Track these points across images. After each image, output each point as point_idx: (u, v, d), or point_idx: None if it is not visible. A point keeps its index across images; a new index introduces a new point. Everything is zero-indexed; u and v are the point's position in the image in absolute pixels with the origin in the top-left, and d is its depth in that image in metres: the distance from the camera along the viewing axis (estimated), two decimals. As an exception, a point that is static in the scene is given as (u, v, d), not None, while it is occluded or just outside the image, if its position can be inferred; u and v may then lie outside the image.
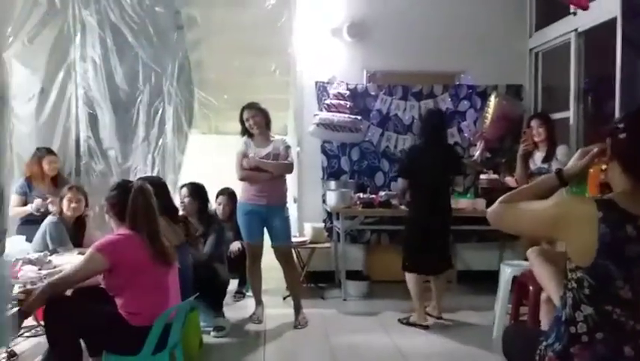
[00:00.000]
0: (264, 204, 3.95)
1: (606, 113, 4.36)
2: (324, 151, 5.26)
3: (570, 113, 4.79)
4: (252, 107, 4.01)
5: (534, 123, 4.29)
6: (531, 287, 3.34)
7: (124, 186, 2.65)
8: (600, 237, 1.59)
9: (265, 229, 4.08)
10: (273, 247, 4.08)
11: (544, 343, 1.79)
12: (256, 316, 4.10)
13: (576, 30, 4.68)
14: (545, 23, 5.18)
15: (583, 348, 1.65)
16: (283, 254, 4.08)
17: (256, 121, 3.97)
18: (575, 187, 4.19)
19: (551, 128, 4.30)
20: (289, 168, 4.05)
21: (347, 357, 3.41)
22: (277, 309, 4.39)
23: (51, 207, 4.10)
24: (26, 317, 2.51)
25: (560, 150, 4.23)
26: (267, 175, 3.93)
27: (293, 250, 4.37)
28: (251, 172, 3.95)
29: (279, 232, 4.02)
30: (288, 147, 4.09)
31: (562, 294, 1.82)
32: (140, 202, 2.55)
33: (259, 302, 4.19)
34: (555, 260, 2.46)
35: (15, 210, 4.29)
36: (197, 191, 3.97)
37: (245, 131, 4.05)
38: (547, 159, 4.23)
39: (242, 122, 4.03)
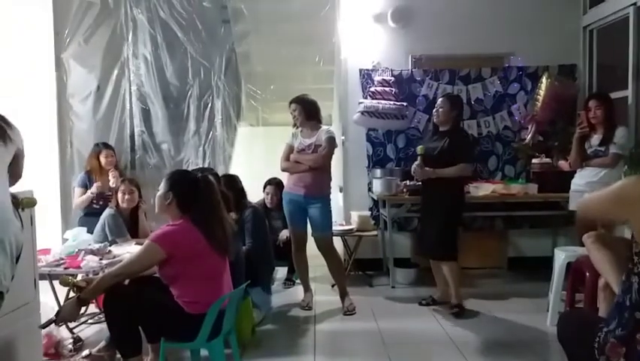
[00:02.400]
0: (302, 195, 4.02)
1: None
2: (369, 139, 5.25)
3: (629, 92, 4.57)
4: (293, 101, 4.10)
5: (592, 104, 4.11)
6: (588, 273, 3.25)
7: (189, 178, 2.71)
8: None
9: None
10: (312, 236, 4.15)
11: (605, 329, 1.75)
12: (305, 302, 4.18)
13: (635, 4, 4.44)
14: (600, -1, 4.95)
15: None
16: (322, 244, 4.13)
17: (295, 115, 4.07)
18: (634, 168, 4.03)
19: (610, 109, 4.11)
20: (320, 160, 4.00)
21: (397, 343, 3.42)
22: (326, 296, 4.46)
23: (112, 181, 4.35)
24: (84, 305, 2.61)
25: (619, 132, 4.06)
26: (304, 167, 3.99)
27: (334, 239, 4.36)
28: (290, 164, 4.06)
29: (316, 223, 4.07)
30: (328, 138, 4.07)
31: (624, 279, 1.77)
32: (209, 194, 2.63)
33: (307, 289, 4.27)
34: (613, 245, 2.38)
35: (78, 200, 4.55)
36: (230, 182, 4.04)
37: (294, 122, 4.15)
38: (604, 141, 4.07)
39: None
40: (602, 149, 4.08)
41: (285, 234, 4.65)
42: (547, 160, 4.91)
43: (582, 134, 4.11)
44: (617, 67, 4.82)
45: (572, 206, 4.29)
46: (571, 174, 4.35)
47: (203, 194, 2.63)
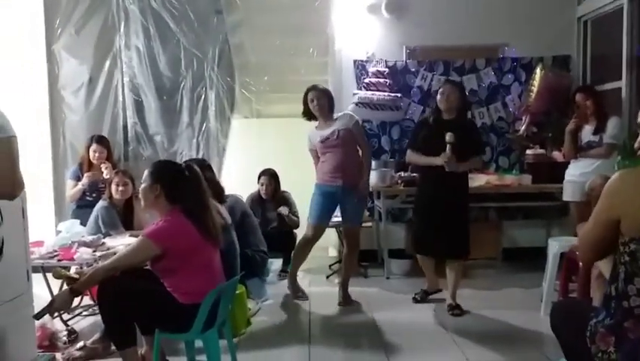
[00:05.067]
0: (340, 185, 3.92)
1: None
2: (363, 131, 5.23)
3: (622, 83, 4.58)
4: (317, 88, 4.00)
5: (579, 97, 4.18)
6: (581, 263, 3.27)
7: (175, 168, 2.67)
8: None
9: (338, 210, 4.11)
10: (343, 226, 4.14)
11: (595, 319, 1.76)
12: (301, 292, 4.17)
13: (629, -5, 4.45)
14: (595, -10, 4.94)
15: (636, 321, 1.63)
16: (352, 234, 4.09)
17: (321, 104, 3.94)
18: (627, 159, 4.05)
19: (599, 100, 4.17)
20: (370, 156, 4.04)
21: (391, 333, 3.43)
22: (321, 287, 4.48)
23: (105, 173, 4.31)
24: (76, 296, 2.59)
25: (611, 123, 4.10)
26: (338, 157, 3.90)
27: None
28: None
29: (351, 213, 4.01)
30: (358, 123, 4.00)
31: (612, 269, 1.78)
32: (196, 182, 2.60)
33: (295, 280, 4.22)
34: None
35: (70, 192, 4.51)
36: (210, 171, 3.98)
37: (307, 114, 4.04)
38: (597, 131, 4.11)
39: (305, 103, 4.01)
40: (596, 139, 4.11)
41: (285, 209, 4.66)
42: (541, 151, 4.93)
43: (576, 125, 4.13)
44: (610, 58, 4.83)
45: (565, 197, 4.32)
46: (564, 165, 4.37)
47: (191, 183, 2.60)
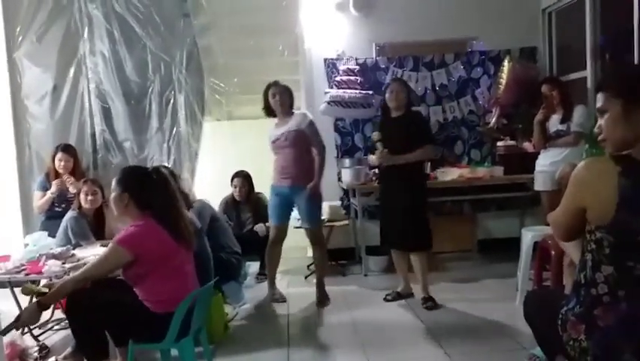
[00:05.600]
0: (288, 186, 3.93)
1: (624, 70, 4.22)
2: (337, 129, 5.23)
3: (587, 73, 4.66)
4: (279, 84, 4.00)
5: (544, 88, 4.26)
6: (553, 252, 3.32)
7: (141, 173, 2.62)
8: (620, 190, 1.57)
9: (295, 211, 4.11)
10: (303, 227, 4.11)
11: (565, 307, 1.77)
12: (278, 295, 4.14)
13: (590, -15, 4.53)
14: (557, -19, 5.02)
15: (605, 309, 1.64)
16: (313, 234, 4.09)
17: (282, 100, 3.94)
18: (594, 147, 4.12)
19: (564, 90, 4.24)
20: (324, 156, 4.00)
21: (370, 332, 3.43)
22: (299, 288, 4.46)
23: (70, 188, 4.22)
24: (44, 310, 2.51)
25: (577, 111, 4.17)
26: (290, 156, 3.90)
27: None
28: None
29: (306, 213, 4.00)
30: (311, 123, 3.97)
31: (580, 257, 1.80)
32: (164, 186, 2.55)
33: (273, 283, 4.21)
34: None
35: (38, 203, 4.39)
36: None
37: (267, 110, 4.03)
38: (564, 120, 4.18)
39: (266, 100, 4.01)
40: (564, 128, 4.17)
41: (262, 228, 4.58)
42: (512, 142, 4.99)
43: (544, 116, 4.19)
44: (575, 48, 4.91)
45: (537, 186, 4.37)
46: (535, 155, 4.43)
47: (158, 187, 2.55)
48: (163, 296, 2.49)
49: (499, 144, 5.05)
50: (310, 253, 5.34)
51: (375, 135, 3.87)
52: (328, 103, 5.00)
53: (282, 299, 4.12)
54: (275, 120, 4.08)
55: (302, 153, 3.94)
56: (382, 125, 3.97)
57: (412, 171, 3.80)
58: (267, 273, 4.74)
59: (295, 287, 4.48)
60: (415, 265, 3.90)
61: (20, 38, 4.92)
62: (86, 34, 5.07)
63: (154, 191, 2.53)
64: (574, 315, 1.73)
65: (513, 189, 4.89)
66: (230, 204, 4.82)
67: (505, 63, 5.00)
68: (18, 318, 2.44)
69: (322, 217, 4.38)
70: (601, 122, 1.76)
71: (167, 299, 2.47)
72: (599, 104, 1.77)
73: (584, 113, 4.16)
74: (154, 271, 2.49)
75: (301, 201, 3.96)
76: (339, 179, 5.16)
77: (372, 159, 4.00)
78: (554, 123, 4.22)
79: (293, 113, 4.03)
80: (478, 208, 5.27)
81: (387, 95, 3.88)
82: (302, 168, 3.93)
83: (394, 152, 3.80)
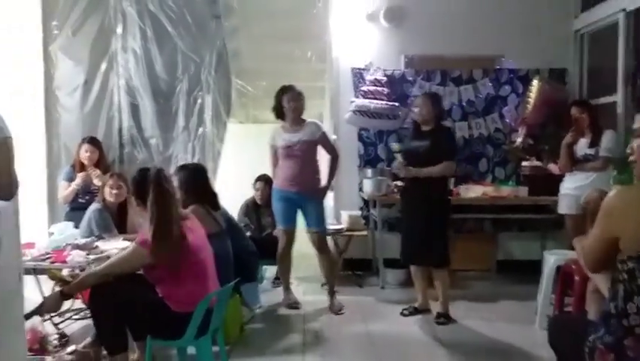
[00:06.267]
0: (295, 192, 3.95)
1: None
2: (360, 139, 5.23)
3: (618, 97, 4.61)
4: (295, 89, 3.99)
5: (574, 111, 4.22)
6: (577, 277, 3.27)
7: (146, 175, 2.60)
8: None
9: (300, 215, 4.11)
10: (308, 233, 4.10)
11: (594, 335, 1.75)
12: (292, 300, 4.14)
13: (624, 10, 4.48)
14: (592, 3, 4.97)
15: (636, 340, 1.61)
16: (318, 240, 4.08)
17: (298, 106, 3.96)
18: (622, 174, 4.06)
19: (594, 114, 4.20)
20: (337, 163, 4.11)
21: (385, 344, 3.40)
22: (315, 295, 4.44)
23: (95, 181, 4.26)
24: (67, 299, 2.59)
25: (607, 136, 4.12)
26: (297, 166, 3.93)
27: (329, 237, 4.35)
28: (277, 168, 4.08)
29: (312, 219, 4.02)
30: (325, 134, 4.04)
31: (610, 286, 1.77)
32: (157, 189, 2.50)
33: (288, 288, 4.22)
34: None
35: (63, 193, 4.46)
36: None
37: (279, 113, 4.03)
38: (592, 144, 4.13)
39: (279, 103, 4.01)
40: (592, 152, 4.12)
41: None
42: (538, 163, 4.94)
43: (573, 139, 4.15)
44: (606, 72, 4.86)
45: (561, 210, 4.32)
46: (560, 178, 4.38)
47: (155, 194, 2.49)
48: (183, 297, 2.50)
49: (524, 163, 5.00)
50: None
51: (396, 146, 3.91)
52: (353, 112, 5.00)
53: (296, 306, 4.11)
54: (281, 123, 4.07)
55: (312, 161, 4.03)
56: (412, 138, 3.96)
57: (434, 186, 3.76)
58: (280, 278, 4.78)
59: (311, 295, 4.47)
60: (436, 281, 3.87)
61: (56, 32, 5.02)
62: (119, 31, 5.17)
63: (151, 194, 2.50)
64: (603, 344, 1.70)
65: (536, 211, 4.84)
66: (251, 207, 4.84)
67: (535, 83, 4.97)
68: (41, 305, 2.52)
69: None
70: (634, 143, 1.74)
71: (187, 300, 2.49)
72: (636, 125, 1.76)
73: (613, 138, 4.11)
74: (174, 274, 2.51)
75: (310, 205, 3.99)
76: (360, 189, 5.15)
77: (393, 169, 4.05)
78: (582, 147, 4.17)
79: (304, 120, 4.03)
80: (499, 228, 5.22)
81: (414, 111, 3.93)
82: (311, 176, 4.01)
83: (415, 165, 3.77)
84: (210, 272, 2.68)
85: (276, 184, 4.12)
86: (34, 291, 3.35)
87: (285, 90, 3.99)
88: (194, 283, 2.55)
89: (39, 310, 2.50)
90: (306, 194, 3.96)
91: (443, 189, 3.91)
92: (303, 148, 3.94)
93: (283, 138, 3.98)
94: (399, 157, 3.85)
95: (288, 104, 3.95)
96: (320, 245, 4.10)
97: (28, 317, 2.52)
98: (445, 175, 3.86)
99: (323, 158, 4.22)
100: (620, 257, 1.68)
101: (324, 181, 4.15)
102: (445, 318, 3.79)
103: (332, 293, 4.13)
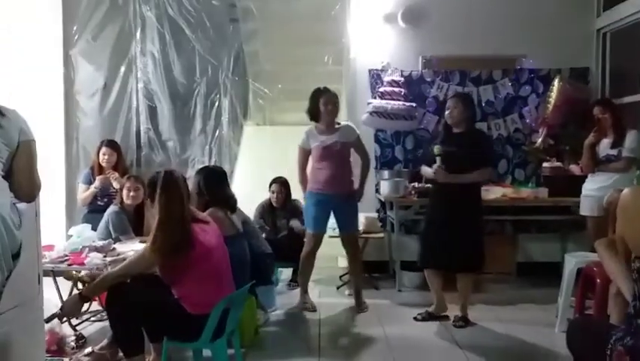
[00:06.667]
0: (332, 193, 3.98)
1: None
2: (377, 140, 5.20)
3: (642, 97, 4.51)
4: (331, 92, 4.03)
5: (596, 111, 4.14)
6: (598, 280, 3.20)
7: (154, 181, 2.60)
8: None
9: (332, 218, 4.13)
10: (341, 234, 4.14)
11: (614, 337, 1.71)
12: (309, 304, 4.13)
13: (648, 7, 4.38)
14: (614, 2, 4.87)
15: None
16: (351, 241, 4.15)
17: (335, 110, 4.02)
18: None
19: (617, 113, 4.11)
20: (369, 165, 4.25)
21: (402, 347, 3.36)
22: (331, 298, 4.43)
23: (114, 183, 4.31)
24: (86, 301, 2.62)
25: (630, 136, 4.03)
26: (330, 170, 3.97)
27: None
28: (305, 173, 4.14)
29: (346, 220, 4.08)
30: (359, 137, 4.15)
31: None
32: (163, 191, 2.50)
33: (306, 291, 4.21)
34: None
35: (82, 196, 4.52)
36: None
37: (313, 114, 4.03)
38: (615, 145, 4.05)
39: (315, 105, 4.00)
40: (615, 153, 4.04)
41: (298, 224, 4.59)
42: (558, 164, 4.85)
43: (596, 139, 4.06)
44: (630, 71, 4.76)
45: (583, 211, 4.23)
46: (582, 179, 4.29)
47: (163, 197, 2.50)
48: (198, 298, 2.51)
49: (544, 164, 4.91)
50: (341, 263, 5.35)
51: (436, 149, 3.67)
52: (370, 113, 4.97)
53: (313, 308, 4.10)
54: (314, 124, 4.08)
55: (347, 162, 4.09)
56: (443, 142, 3.75)
57: (470, 190, 3.69)
58: (299, 281, 4.77)
59: (327, 297, 4.45)
60: (460, 284, 3.80)
61: (77, 36, 5.10)
62: (138, 35, 5.23)
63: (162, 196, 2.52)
64: (623, 346, 1.66)
65: (557, 212, 4.75)
66: (266, 209, 4.84)
67: (555, 82, 4.88)
68: (61, 309, 2.57)
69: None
70: None
71: (202, 301, 2.49)
72: None
73: (636, 139, 4.02)
74: (188, 275, 2.52)
75: (344, 206, 4.03)
76: (377, 190, 5.12)
77: (428, 172, 3.83)
78: (605, 147, 4.09)
79: (339, 123, 4.09)
80: (519, 229, 5.13)
81: (445, 112, 3.80)
82: (346, 177, 4.07)
83: (452, 170, 3.65)
84: (226, 274, 2.68)
85: (310, 188, 4.11)
86: (53, 293, 3.39)
87: (321, 93, 4.02)
88: (209, 284, 2.55)
89: (59, 315, 2.55)
90: (342, 195, 4.01)
91: (478, 192, 3.83)
92: (340, 149, 4.00)
93: (319, 139, 4.01)
94: (438, 161, 3.66)
95: (324, 106, 3.97)
96: (353, 246, 4.17)
97: (48, 320, 2.56)
98: (480, 181, 3.79)
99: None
100: (632, 256, 1.65)
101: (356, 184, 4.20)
102: (463, 321, 3.75)
103: (359, 293, 4.16)
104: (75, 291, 3.32)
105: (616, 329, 1.76)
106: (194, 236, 2.51)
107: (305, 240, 4.17)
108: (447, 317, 3.87)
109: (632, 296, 1.72)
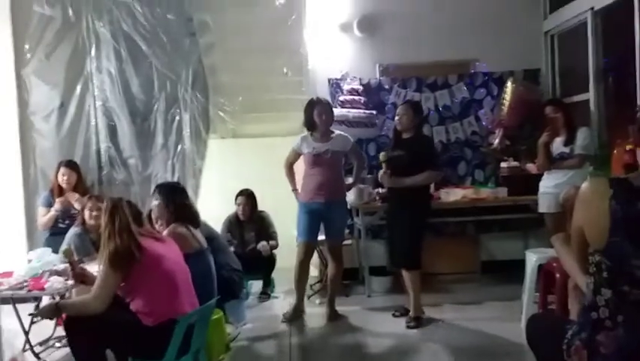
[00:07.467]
0: (323, 201, 4.02)
1: (627, 92, 4.25)
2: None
3: (590, 95, 4.68)
4: (324, 102, 4.16)
5: (548, 110, 4.28)
6: (558, 275, 3.29)
7: None
8: (611, 214, 1.56)
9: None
10: (326, 242, 4.18)
11: (570, 332, 1.75)
12: (301, 311, 4.16)
13: (592, 9, 4.56)
14: (560, 4, 5.06)
15: (607, 335, 1.62)
16: (336, 249, 4.18)
17: (329, 119, 4.10)
18: (599, 169, 4.13)
19: (568, 112, 4.26)
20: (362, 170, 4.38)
21: (374, 353, 3.39)
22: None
23: (75, 204, 4.25)
24: (59, 315, 2.65)
25: (581, 133, 4.17)
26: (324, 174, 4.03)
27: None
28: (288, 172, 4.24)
29: (335, 228, 4.13)
30: (355, 145, 4.27)
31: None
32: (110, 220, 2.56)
33: (302, 299, 4.21)
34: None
35: (42, 219, 4.40)
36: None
37: (310, 124, 4.11)
38: (568, 143, 4.18)
39: (310, 116, 4.09)
40: (567, 150, 4.18)
41: (265, 246, 4.56)
42: (516, 163, 4.99)
43: (549, 138, 4.20)
44: (578, 71, 4.94)
45: (541, 208, 4.36)
46: (539, 177, 4.42)
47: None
48: (151, 307, 2.49)
49: (502, 165, 5.04)
50: (313, 272, 5.34)
51: (382, 156, 3.97)
52: (332, 122, 5.01)
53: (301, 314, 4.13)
54: (307, 133, 4.16)
55: (337, 170, 4.16)
56: (393, 146, 4.05)
57: (415, 192, 3.87)
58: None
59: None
60: (407, 282, 3.93)
61: (29, 55, 4.98)
62: (93, 52, 5.14)
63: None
64: (580, 340, 1.71)
65: (517, 211, 4.88)
66: (233, 222, 4.80)
67: (509, 84, 5.03)
68: (36, 308, 2.67)
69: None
70: None
71: (155, 310, 2.48)
72: None
73: (587, 136, 4.17)
74: (141, 285, 2.52)
75: (334, 214, 4.08)
76: (343, 198, 5.15)
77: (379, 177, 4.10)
78: (558, 145, 4.23)
79: (332, 132, 4.15)
80: (481, 229, 5.25)
81: (395, 119, 4.03)
82: (338, 184, 4.13)
83: (398, 173, 3.86)
84: (182, 286, 2.64)
85: (302, 198, 4.15)
86: (14, 321, 3.28)
87: (315, 104, 4.12)
88: (160, 292, 2.53)
89: (35, 314, 2.69)
90: (332, 203, 4.05)
91: (424, 195, 4.01)
92: (332, 157, 4.06)
93: (312, 145, 4.08)
94: (384, 167, 3.93)
95: (319, 117, 4.06)
96: (337, 254, 4.19)
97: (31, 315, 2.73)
98: (424, 184, 3.94)
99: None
100: (590, 250, 1.69)
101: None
102: (415, 321, 3.83)
103: (332, 301, 4.16)
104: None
105: (572, 324, 1.81)
106: (141, 245, 2.51)
107: (297, 249, 4.17)
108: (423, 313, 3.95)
109: (587, 289, 1.78)
